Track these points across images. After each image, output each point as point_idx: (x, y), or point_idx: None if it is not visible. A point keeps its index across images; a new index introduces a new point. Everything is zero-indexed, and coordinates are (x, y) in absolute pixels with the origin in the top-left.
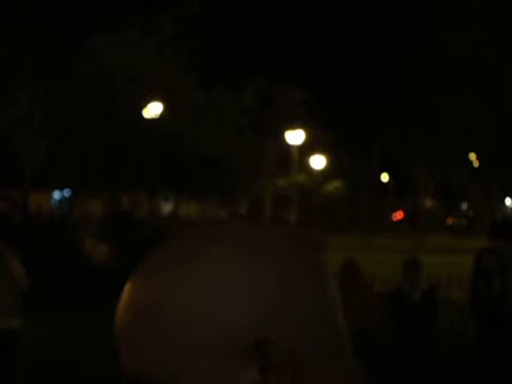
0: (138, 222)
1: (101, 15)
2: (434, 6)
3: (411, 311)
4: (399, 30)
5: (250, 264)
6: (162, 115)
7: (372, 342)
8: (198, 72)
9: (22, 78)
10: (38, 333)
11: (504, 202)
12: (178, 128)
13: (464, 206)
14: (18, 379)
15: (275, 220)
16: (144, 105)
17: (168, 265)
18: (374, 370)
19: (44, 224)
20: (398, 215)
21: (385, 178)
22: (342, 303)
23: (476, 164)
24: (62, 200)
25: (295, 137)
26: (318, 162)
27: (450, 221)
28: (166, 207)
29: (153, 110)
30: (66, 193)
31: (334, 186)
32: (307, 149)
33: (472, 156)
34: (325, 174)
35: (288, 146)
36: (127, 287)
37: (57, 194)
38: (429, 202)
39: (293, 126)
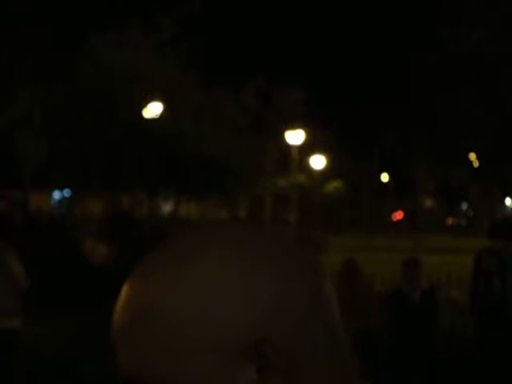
0: (138, 221)
1: (101, 15)
2: (433, 5)
3: (411, 311)
4: (399, 30)
5: (249, 265)
6: (162, 115)
7: (372, 341)
8: (198, 72)
9: (22, 78)
10: (37, 333)
11: (504, 202)
12: (178, 128)
13: (464, 206)
14: (18, 379)
15: (275, 220)
16: (144, 105)
17: (166, 265)
18: (373, 370)
19: (44, 224)
20: (398, 215)
21: (385, 178)
22: (342, 303)
23: (476, 164)
24: (62, 200)
25: (295, 137)
26: (318, 161)
27: (449, 221)
28: (166, 207)
29: (153, 109)
30: (66, 193)
31: (334, 186)
32: (307, 149)
33: (472, 156)
34: (325, 174)
35: (288, 146)
36: (125, 288)
37: (57, 194)
38: (429, 202)
39: (293, 126)
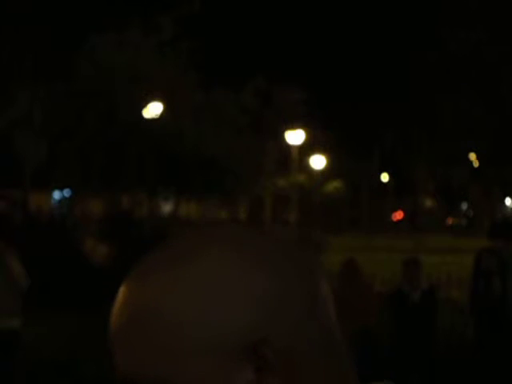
0: (138, 221)
1: (101, 15)
2: (433, 5)
3: (411, 311)
4: (399, 30)
5: (249, 265)
6: (162, 115)
7: (372, 341)
8: (198, 72)
9: (22, 78)
10: (37, 333)
11: (504, 202)
12: (178, 128)
13: (464, 206)
14: (18, 379)
15: (275, 220)
16: (144, 105)
17: (166, 265)
18: (373, 370)
19: (44, 224)
20: (398, 215)
21: (385, 178)
22: (342, 303)
23: (476, 164)
24: (62, 200)
25: (295, 137)
26: (318, 161)
27: (450, 221)
28: (166, 207)
29: (153, 109)
30: (66, 193)
31: (334, 186)
32: (307, 149)
33: (472, 156)
34: (325, 174)
35: (288, 146)
36: (122, 289)
37: (57, 194)
38: (429, 202)
39: (293, 126)
